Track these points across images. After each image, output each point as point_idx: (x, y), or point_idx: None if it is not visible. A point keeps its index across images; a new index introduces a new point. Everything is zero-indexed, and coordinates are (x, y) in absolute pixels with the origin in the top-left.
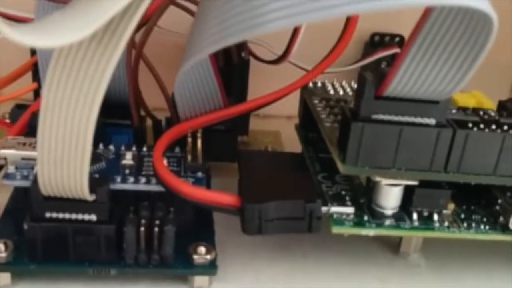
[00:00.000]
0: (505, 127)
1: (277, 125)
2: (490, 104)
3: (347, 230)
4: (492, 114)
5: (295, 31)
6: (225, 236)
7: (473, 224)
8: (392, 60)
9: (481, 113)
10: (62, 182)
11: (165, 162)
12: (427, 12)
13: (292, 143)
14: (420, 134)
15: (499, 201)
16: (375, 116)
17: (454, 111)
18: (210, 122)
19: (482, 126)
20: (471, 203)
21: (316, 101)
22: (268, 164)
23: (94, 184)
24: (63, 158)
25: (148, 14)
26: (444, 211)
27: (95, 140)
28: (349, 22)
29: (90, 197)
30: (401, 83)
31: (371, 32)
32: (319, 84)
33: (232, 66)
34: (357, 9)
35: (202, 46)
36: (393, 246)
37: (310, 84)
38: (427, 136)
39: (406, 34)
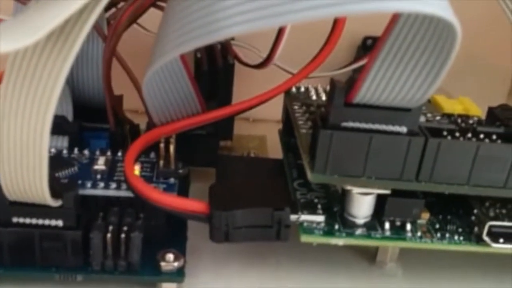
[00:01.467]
0: (481, 136)
1: (266, 130)
2: (477, 111)
3: (316, 239)
4: (472, 122)
5: (279, 35)
6: (200, 242)
7: (447, 235)
8: None
9: (459, 120)
10: (24, 188)
11: (138, 167)
12: (394, 18)
13: (277, 148)
14: (391, 143)
15: (475, 211)
16: (344, 124)
17: (438, 117)
18: (186, 127)
19: (457, 134)
20: (448, 213)
21: (296, 107)
22: (246, 170)
23: (62, 189)
24: (22, 164)
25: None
26: (419, 221)
27: (71, 144)
28: (336, 24)
29: (54, 203)
30: (370, 90)
31: (364, 35)
32: (302, 89)
33: (217, 70)
34: (314, 15)
35: (166, 50)
36: (370, 255)
37: (293, 89)
38: (398, 145)
39: None
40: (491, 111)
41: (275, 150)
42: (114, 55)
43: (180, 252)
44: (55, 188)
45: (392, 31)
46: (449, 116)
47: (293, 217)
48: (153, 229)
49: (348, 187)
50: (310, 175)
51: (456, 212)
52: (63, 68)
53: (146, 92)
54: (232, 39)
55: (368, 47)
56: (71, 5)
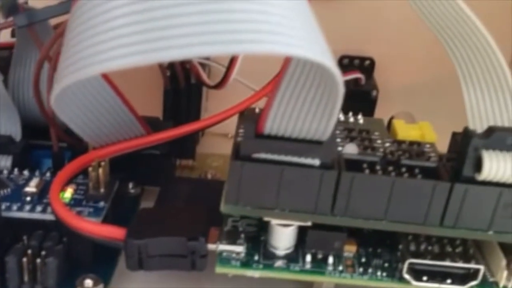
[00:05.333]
0: (403, 169)
1: None
2: (432, 138)
3: (232, 270)
4: (401, 151)
5: (233, 58)
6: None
7: (370, 270)
8: (353, 84)
9: (392, 148)
10: None
11: (71, 190)
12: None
13: None
14: (303, 175)
15: (400, 246)
16: (256, 155)
17: (387, 144)
18: (123, 150)
19: (378, 167)
20: (379, 246)
21: (241, 130)
22: (187, 194)
23: None
24: None
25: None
26: (346, 254)
27: (15, 164)
28: None
29: None
30: (276, 121)
31: (340, 54)
32: (257, 110)
33: (179, 90)
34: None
35: (60, 77)
36: (307, 285)
37: (247, 111)
38: (310, 178)
39: (377, 57)
40: (454, 136)
41: None
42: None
43: (103, 277)
44: None
45: (288, 68)
46: (399, 143)
47: (211, 246)
48: (78, 253)
49: (266, 219)
50: (222, 206)
51: (388, 246)
52: None
53: (66, 118)
54: (208, 58)
55: (344, 66)
56: None
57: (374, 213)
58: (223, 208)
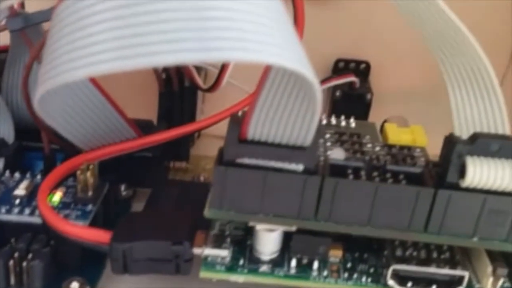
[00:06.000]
0: (388, 175)
1: None
2: (423, 142)
3: (216, 275)
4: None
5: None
6: None
7: (355, 275)
8: (348, 87)
9: (382, 153)
10: None
11: (60, 193)
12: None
13: None
14: (286, 180)
15: (385, 252)
16: (240, 160)
17: (378, 148)
18: (113, 154)
19: (362, 173)
20: (366, 251)
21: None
22: (176, 197)
23: None
24: None
25: None
26: (332, 259)
27: (7, 166)
28: None
29: None
30: (258, 127)
31: (336, 57)
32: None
33: (173, 93)
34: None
35: (41, 82)
36: None
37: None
38: (293, 183)
39: (372, 61)
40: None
41: None
42: None
43: (91, 280)
44: None
45: (269, 75)
46: (390, 147)
47: (197, 250)
48: (66, 256)
49: (251, 223)
50: (205, 211)
51: (375, 251)
52: None
53: (53, 122)
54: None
55: (340, 69)
56: None
57: (358, 219)
58: (207, 212)
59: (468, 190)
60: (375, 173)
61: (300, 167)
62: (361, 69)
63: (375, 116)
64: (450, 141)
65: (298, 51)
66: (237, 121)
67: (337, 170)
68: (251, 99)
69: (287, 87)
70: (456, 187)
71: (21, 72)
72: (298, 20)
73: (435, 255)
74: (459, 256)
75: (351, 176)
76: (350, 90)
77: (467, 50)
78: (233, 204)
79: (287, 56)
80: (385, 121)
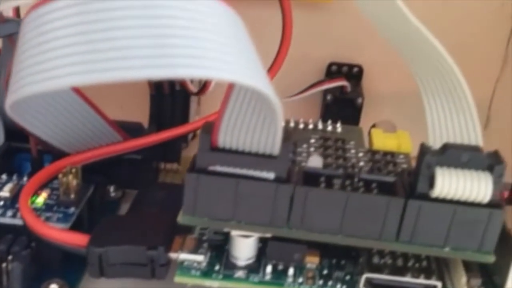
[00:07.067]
0: (361, 184)
1: None
2: (408, 148)
3: (191, 280)
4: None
5: None
6: None
7: (330, 283)
8: (339, 91)
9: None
10: None
11: (45, 194)
12: None
13: None
14: (258, 188)
15: (360, 259)
16: (212, 168)
17: (361, 154)
18: (96, 157)
19: (335, 182)
20: (344, 258)
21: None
22: (163, 199)
23: None
24: None
25: None
26: (308, 265)
27: None
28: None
29: None
30: (227, 135)
31: (329, 61)
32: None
33: (164, 96)
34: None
35: (10, 92)
36: None
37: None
38: (265, 191)
39: (365, 65)
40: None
41: None
42: None
43: (71, 282)
44: None
45: (235, 86)
46: (373, 153)
47: (173, 255)
48: (47, 258)
49: (226, 229)
50: (179, 217)
51: (353, 258)
52: None
53: (31, 127)
54: None
55: (332, 72)
56: None
57: (330, 227)
58: (181, 219)
59: (438, 200)
60: (348, 182)
61: (271, 175)
62: (354, 72)
63: (367, 120)
64: (421, 151)
65: (255, 68)
66: (209, 129)
67: (311, 178)
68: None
69: (251, 100)
70: (426, 197)
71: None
72: (285, 25)
73: (411, 263)
74: (434, 265)
75: (323, 185)
76: (341, 94)
77: (439, 64)
78: (206, 211)
79: (242, 73)
80: (373, 126)
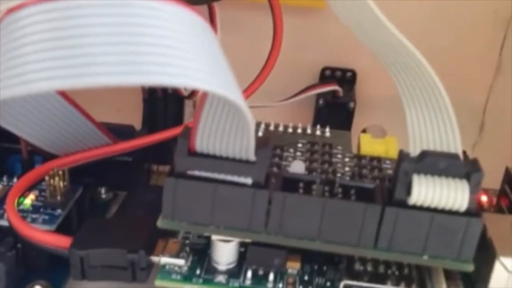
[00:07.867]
0: (339, 190)
1: None
2: (395, 154)
3: (171, 284)
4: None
5: None
6: None
7: None
8: (332, 96)
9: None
10: None
11: (33, 196)
12: None
13: None
14: (236, 193)
15: (340, 266)
16: (190, 172)
17: (347, 159)
18: (83, 160)
19: (314, 187)
20: (326, 263)
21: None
22: (151, 202)
23: None
24: None
25: None
26: (290, 270)
27: None
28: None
29: None
30: (203, 140)
31: (322, 65)
32: None
33: (156, 99)
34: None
35: None
36: None
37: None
38: (243, 196)
39: (359, 69)
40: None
41: None
42: None
43: (57, 284)
44: None
45: (209, 93)
46: (360, 158)
47: (155, 258)
48: (33, 259)
49: (206, 234)
50: (158, 221)
51: (335, 263)
52: None
53: (14, 129)
54: None
55: (326, 77)
56: None
57: (308, 233)
58: (160, 223)
59: (416, 208)
60: (327, 188)
61: (249, 180)
62: (347, 77)
63: (360, 124)
64: (399, 158)
65: (225, 76)
66: (187, 134)
67: (289, 184)
68: None
69: (224, 106)
70: (404, 204)
71: None
72: (276, 29)
73: (392, 271)
74: (415, 273)
75: (301, 191)
76: (333, 98)
77: (418, 70)
78: (185, 215)
79: (210, 81)
80: (363, 131)
